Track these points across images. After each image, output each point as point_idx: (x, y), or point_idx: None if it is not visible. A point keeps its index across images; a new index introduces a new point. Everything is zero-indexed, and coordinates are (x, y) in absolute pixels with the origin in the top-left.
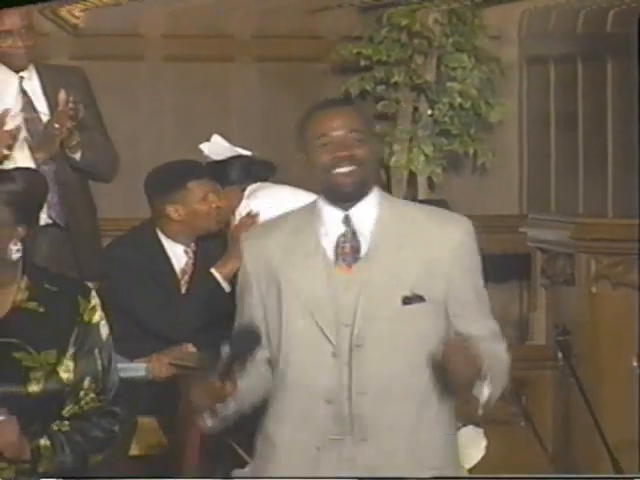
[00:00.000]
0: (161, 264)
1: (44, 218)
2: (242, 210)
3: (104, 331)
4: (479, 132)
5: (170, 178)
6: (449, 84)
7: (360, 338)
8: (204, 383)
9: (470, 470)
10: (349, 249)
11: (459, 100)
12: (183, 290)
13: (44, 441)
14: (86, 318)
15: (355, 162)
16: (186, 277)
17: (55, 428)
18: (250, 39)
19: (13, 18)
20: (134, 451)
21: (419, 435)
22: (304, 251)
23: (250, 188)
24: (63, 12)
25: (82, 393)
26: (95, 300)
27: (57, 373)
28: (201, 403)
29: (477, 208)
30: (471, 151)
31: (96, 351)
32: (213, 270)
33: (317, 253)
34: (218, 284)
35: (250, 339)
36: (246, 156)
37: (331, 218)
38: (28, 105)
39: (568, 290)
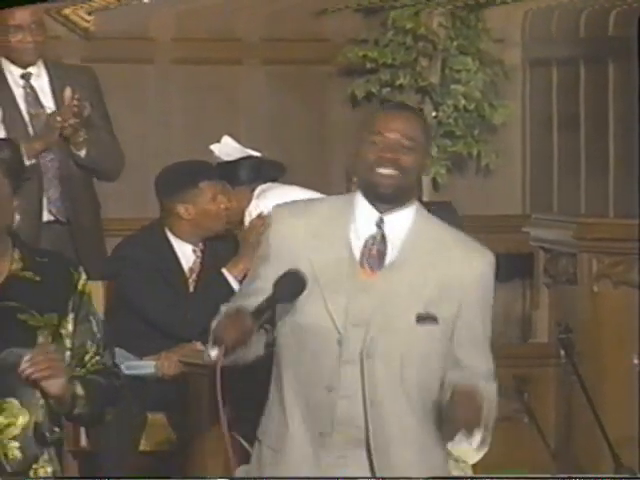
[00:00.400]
0: (170, 263)
1: (46, 215)
2: (252, 210)
3: (95, 303)
4: (483, 134)
5: (182, 177)
6: (453, 86)
7: (372, 347)
8: (234, 318)
9: (473, 466)
10: (376, 252)
11: (463, 102)
12: (191, 289)
13: (80, 389)
14: (80, 288)
15: (398, 168)
16: (194, 276)
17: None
18: (258, 42)
19: (23, 13)
20: (144, 447)
21: (427, 449)
22: (330, 239)
23: (260, 188)
24: (73, 16)
25: (87, 357)
26: (84, 274)
27: (61, 335)
28: (225, 337)
29: (481, 208)
30: (475, 152)
31: (91, 318)
32: (224, 270)
33: (343, 245)
34: (228, 284)
35: (295, 285)
36: (256, 157)
37: (365, 216)
38: (34, 100)
39: (570, 289)
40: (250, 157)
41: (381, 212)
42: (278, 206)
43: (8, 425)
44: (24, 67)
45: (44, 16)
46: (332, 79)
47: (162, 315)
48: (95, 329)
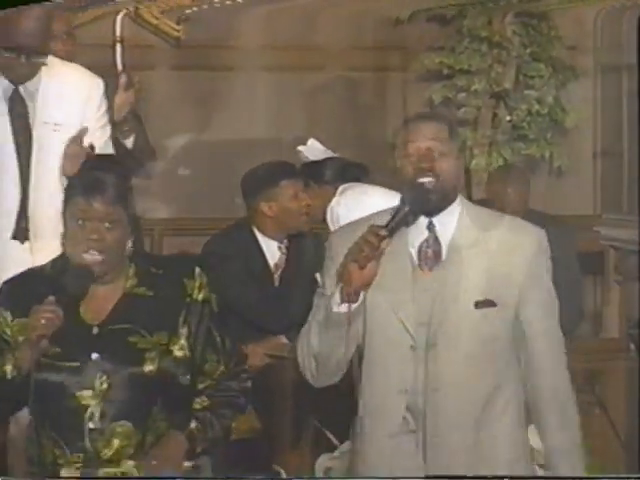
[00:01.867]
0: (256, 259)
1: None
2: (333, 205)
3: (215, 306)
4: (555, 137)
5: (264, 177)
6: (527, 92)
7: (434, 337)
8: (366, 234)
9: None
10: (431, 254)
11: (536, 107)
12: (276, 284)
13: (194, 424)
14: (195, 296)
15: (435, 175)
16: (279, 271)
17: (198, 407)
18: (339, 50)
19: (55, 25)
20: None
21: (483, 432)
22: (391, 252)
23: (342, 187)
24: (163, 25)
25: (207, 366)
26: (200, 278)
27: (171, 352)
28: (358, 256)
29: (553, 209)
30: (547, 155)
31: (211, 325)
32: (317, 275)
33: (404, 255)
34: (315, 280)
35: (417, 195)
36: (340, 158)
37: (417, 223)
38: None
39: None
40: (335, 158)
41: (430, 216)
42: (336, 231)
43: None
44: None
45: (133, 25)
46: (410, 85)
47: (249, 309)
48: (215, 335)
